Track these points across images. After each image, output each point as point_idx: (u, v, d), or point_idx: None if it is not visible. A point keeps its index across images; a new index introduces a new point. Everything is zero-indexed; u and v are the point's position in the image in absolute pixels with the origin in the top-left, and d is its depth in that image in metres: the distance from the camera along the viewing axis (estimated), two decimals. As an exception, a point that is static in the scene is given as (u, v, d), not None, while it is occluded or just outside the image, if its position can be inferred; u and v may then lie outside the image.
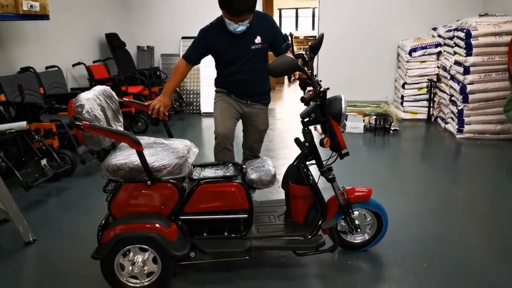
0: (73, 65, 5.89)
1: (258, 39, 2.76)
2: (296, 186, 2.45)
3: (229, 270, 2.49)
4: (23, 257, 2.77)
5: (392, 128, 5.67)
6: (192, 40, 2.85)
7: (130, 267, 2.23)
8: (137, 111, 5.97)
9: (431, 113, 6.21)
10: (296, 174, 2.45)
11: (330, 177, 2.41)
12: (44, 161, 3.88)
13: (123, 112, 5.64)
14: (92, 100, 2.24)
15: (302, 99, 2.28)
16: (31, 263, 2.75)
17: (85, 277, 2.46)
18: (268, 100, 3.04)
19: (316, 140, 2.42)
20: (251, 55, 2.79)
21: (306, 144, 2.42)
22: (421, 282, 2.38)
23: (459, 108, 5.29)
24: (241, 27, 2.63)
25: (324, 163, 2.44)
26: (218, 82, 3.00)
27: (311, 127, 2.43)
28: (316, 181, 2.42)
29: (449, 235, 2.93)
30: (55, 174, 3.86)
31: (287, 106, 8.16)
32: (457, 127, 5.36)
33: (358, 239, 2.66)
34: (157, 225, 2.17)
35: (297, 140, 2.48)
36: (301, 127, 2.42)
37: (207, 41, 2.77)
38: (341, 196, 2.44)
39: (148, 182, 2.19)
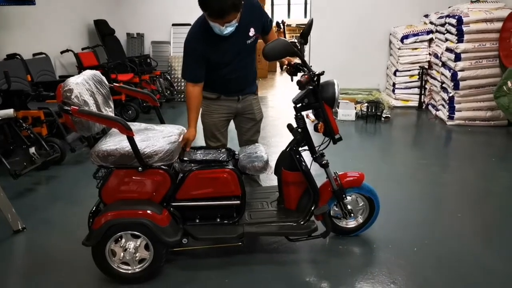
0: (61, 52, 5.79)
1: (252, 31, 2.49)
2: (289, 172, 2.45)
3: (221, 256, 2.49)
4: (12, 246, 2.74)
5: (384, 116, 5.68)
6: (183, 50, 2.49)
7: (122, 254, 2.21)
8: (127, 99, 5.90)
9: (422, 100, 6.23)
10: (288, 160, 2.44)
11: (323, 162, 2.41)
12: (32, 149, 3.82)
13: (113, 100, 5.62)
14: (81, 85, 2.19)
15: (299, 83, 2.26)
16: (20, 252, 2.72)
17: (76, 265, 2.45)
18: (256, 87, 2.86)
19: (308, 128, 2.40)
20: (247, 51, 2.56)
21: (299, 130, 2.40)
22: (412, 265, 2.40)
23: (450, 95, 5.31)
24: (229, 29, 2.29)
25: (316, 149, 2.44)
26: (208, 84, 2.58)
27: (303, 114, 2.41)
28: (309, 167, 2.41)
29: (440, 220, 2.96)
30: (44, 162, 3.80)
31: (279, 94, 8.13)
32: (447, 114, 5.39)
33: (350, 224, 2.67)
34: (148, 211, 2.15)
35: (289, 126, 2.46)
36: (294, 113, 2.40)
37: (200, 52, 2.42)
38: (334, 181, 2.44)
39: (139, 168, 2.16)
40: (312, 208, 2.39)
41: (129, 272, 2.24)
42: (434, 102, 5.97)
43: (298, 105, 2.36)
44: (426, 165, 4.09)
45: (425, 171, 3.95)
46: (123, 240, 2.20)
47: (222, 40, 2.39)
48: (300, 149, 2.44)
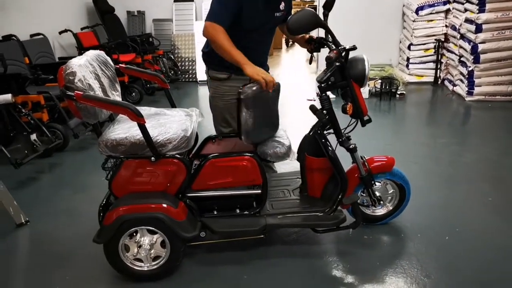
0: (60, 33, 5.53)
1: (282, 5, 2.30)
2: (313, 158, 2.25)
3: (239, 249, 2.33)
4: (16, 241, 2.57)
5: (399, 92, 5.45)
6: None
7: (136, 250, 2.04)
8: (130, 80, 5.67)
9: (438, 75, 5.97)
10: (313, 145, 2.24)
11: (351, 147, 2.21)
12: (33, 136, 3.63)
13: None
14: (85, 67, 1.98)
15: (328, 59, 2.02)
16: (25, 247, 2.55)
17: (86, 259, 2.28)
18: (268, 66, 2.59)
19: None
20: (273, 24, 2.35)
21: (324, 111, 2.19)
22: (445, 256, 2.23)
23: (470, 69, 5.05)
24: None
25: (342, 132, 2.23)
26: (214, 61, 2.33)
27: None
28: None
29: (469, 204, 2.77)
30: (46, 149, 3.61)
31: (286, 72, 7.85)
32: (466, 89, 5.15)
33: (377, 211, 2.49)
34: (164, 205, 1.97)
35: (313, 108, 2.25)
36: (318, 93, 2.18)
37: (238, 1, 2.13)
38: (362, 166, 2.25)
39: (152, 158, 1.96)
40: (340, 197, 2.20)
41: (145, 269, 2.08)
42: (451, 77, 5.71)
43: (323, 85, 2.13)
44: (446, 144, 3.89)
45: (446, 150, 3.75)
46: (138, 235, 2.03)
47: (260, 1, 2.16)
48: (325, 132, 2.24)
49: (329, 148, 2.19)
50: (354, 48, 2.06)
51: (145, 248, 2.01)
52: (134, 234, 2.03)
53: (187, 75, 7.05)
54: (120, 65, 2.45)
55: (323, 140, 2.20)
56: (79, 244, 2.41)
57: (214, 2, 2.20)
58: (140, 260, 2.08)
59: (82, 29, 5.97)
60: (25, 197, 3.05)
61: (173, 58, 6.75)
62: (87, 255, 2.29)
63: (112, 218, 1.95)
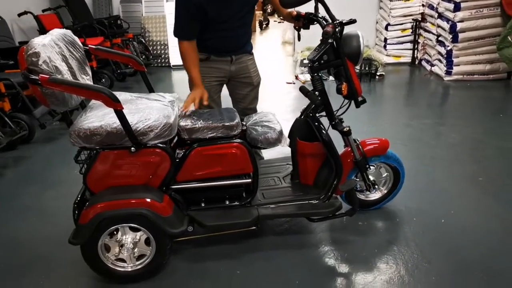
0: (19, 15, 5.11)
1: None
2: (306, 143, 2.11)
3: (230, 242, 2.18)
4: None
5: (378, 74, 5.38)
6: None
7: (117, 249, 1.85)
8: (99, 66, 5.33)
9: (415, 55, 5.94)
10: (304, 129, 2.10)
11: (345, 129, 2.08)
12: (-5, 128, 3.32)
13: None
14: (50, 47, 1.73)
15: (325, 34, 1.86)
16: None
17: (61, 261, 2.07)
18: (251, 46, 2.46)
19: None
20: (249, 6, 2.18)
21: (316, 93, 2.04)
22: (444, 240, 2.16)
23: (448, 48, 5.03)
24: None
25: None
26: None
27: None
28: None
29: (461, 185, 2.72)
30: (10, 142, 3.31)
31: (262, 56, 7.65)
32: (445, 69, 5.13)
33: (371, 196, 2.39)
34: (147, 199, 1.78)
35: (303, 89, 2.10)
36: (311, 73, 2.03)
37: (197, 3, 2.01)
38: (357, 150, 2.13)
39: (132, 148, 1.76)
40: (335, 183, 2.08)
41: (129, 269, 1.90)
42: (428, 57, 5.69)
43: (315, 64, 1.98)
44: (430, 125, 3.85)
45: (431, 131, 3.71)
46: (119, 234, 1.84)
47: None
48: (317, 115, 2.10)
49: (323, 131, 2.05)
50: (352, 21, 1.91)
51: (127, 247, 1.83)
52: (115, 232, 1.84)
53: (159, 60, 6.74)
54: (90, 46, 2.21)
55: (316, 124, 2.06)
56: (52, 245, 2.19)
57: (175, 11, 2.12)
58: (122, 260, 1.90)
59: (43, 11, 5.55)
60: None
61: (143, 41, 6.42)
62: (62, 257, 2.08)
63: (89, 216, 1.74)
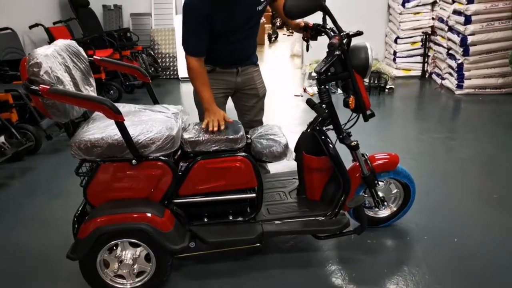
0: (30, 27, 5.17)
1: None
2: (312, 157, 2.05)
3: (232, 259, 2.11)
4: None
5: (387, 87, 5.31)
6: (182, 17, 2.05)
7: (116, 265, 1.80)
8: (108, 78, 5.36)
9: (425, 69, 5.87)
10: (311, 143, 2.04)
11: (352, 144, 2.01)
12: (2, 138, 3.31)
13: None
14: (52, 58, 1.71)
15: (331, 45, 1.82)
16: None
17: (60, 274, 2.03)
18: (256, 57, 2.43)
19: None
20: (256, 18, 2.15)
21: (323, 106, 1.99)
22: (456, 260, 2.07)
23: (459, 62, 4.95)
24: None
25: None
26: None
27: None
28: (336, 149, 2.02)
29: (474, 202, 2.63)
30: (16, 152, 3.30)
31: (270, 69, 7.64)
32: (456, 82, 5.05)
33: (380, 213, 2.31)
34: (148, 214, 1.73)
35: (310, 102, 2.05)
36: (317, 85, 1.99)
37: (205, 15, 1.97)
38: (365, 165, 2.06)
39: (133, 161, 1.72)
40: (342, 199, 2.01)
41: (127, 287, 1.84)
42: (439, 70, 5.61)
43: (322, 76, 1.93)
44: (441, 139, 3.76)
45: (442, 145, 3.62)
46: (119, 249, 1.79)
47: (232, 4, 2.00)
48: (324, 128, 2.04)
49: (330, 145, 1.99)
50: (359, 33, 1.86)
51: (127, 263, 1.77)
52: (114, 248, 1.79)
53: (168, 72, 6.76)
54: (95, 57, 2.19)
55: (323, 137, 2.00)
56: (53, 257, 2.14)
57: (183, 25, 2.06)
58: (122, 277, 1.84)
59: (54, 23, 5.62)
60: (-9, 206, 2.78)
61: (152, 54, 6.45)
62: (62, 270, 2.03)
63: (88, 231, 1.70)
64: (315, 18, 2.09)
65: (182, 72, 6.55)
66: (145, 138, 1.71)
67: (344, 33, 1.88)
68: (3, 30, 4.63)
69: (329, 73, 1.93)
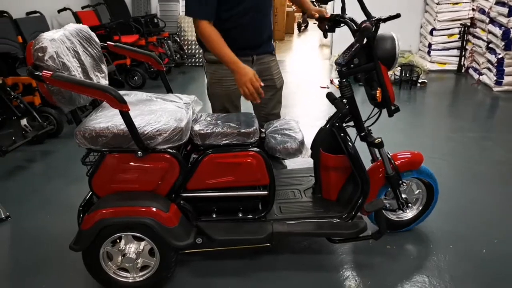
0: (59, 11, 5.20)
1: None
2: (329, 155, 1.92)
3: (241, 258, 2.02)
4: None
5: (420, 81, 5.05)
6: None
7: (120, 258, 1.75)
8: (133, 63, 5.35)
9: (462, 63, 5.54)
10: (329, 140, 1.91)
11: (376, 141, 1.87)
12: (24, 121, 3.35)
13: (116, 65, 5.02)
14: (60, 42, 1.66)
15: (365, 29, 1.65)
16: (7, 246, 2.27)
17: (69, 263, 1.99)
18: (273, 47, 2.29)
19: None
20: None
21: (344, 101, 1.85)
22: (484, 273, 1.90)
23: (499, 56, 4.63)
24: None
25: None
26: None
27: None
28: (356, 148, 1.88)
29: (508, 210, 2.42)
30: (36, 136, 3.33)
31: (298, 59, 7.45)
32: (495, 78, 4.73)
33: (403, 216, 2.16)
34: (152, 208, 1.66)
35: (331, 96, 1.91)
36: (338, 78, 1.84)
37: None
38: (389, 164, 1.91)
39: (139, 152, 1.65)
40: (360, 201, 1.87)
41: (129, 280, 1.79)
42: (476, 65, 5.28)
43: (344, 68, 1.79)
44: (475, 139, 3.52)
45: (475, 146, 3.38)
46: (123, 242, 1.73)
47: None
48: (344, 125, 1.90)
49: (349, 143, 1.86)
50: (396, 16, 1.69)
51: (130, 257, 1.72)
52: (118, 240, 1.73)
53: (193, 59, 6.71)
54: (109, 43, 2.12)
55: (342, 134, 1.86)
56: (64, 245, 2.10)
57: None
58: (125, 270, 1.79)
59: (83, 8, 5.65)
60: (10, 188, 2.81)
61: (179, 40, 6.40)
62: (71, 260, 2.00)
63: (91, 222, 1.65)
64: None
65: (208, 59, 6.47)
66: (151, 129, 1.63)
67: (375, 18, 1.71)
68: (32, 14, 4.67)
69: (352, 65, 1.78)
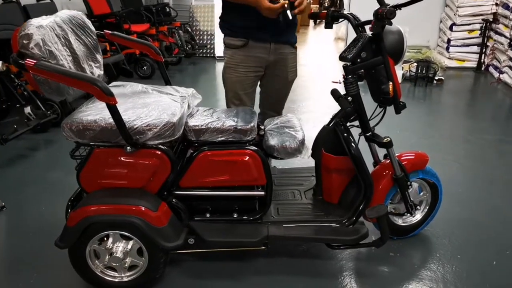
0: (69, -3, 5.15)
1: None
2: (331, 156, 1.81)
3: (235, 259, 1.93)
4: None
5: (436, 78, 4.86)
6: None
7: (107, 257, 1.68)
8: (142, 53, 5.27)
9: (482, 60, 5.31)
10: (332, 140, 1.80)
11: (385, 140, 1.75)
12: (28, 109, 3.31)
13: (125, 54, 4.94)
14: (49, 29, 1.57)
15: (381, 16, 1.52)
16: (6, 237, 2.23)
17: (60, 258, 1.90)
18: (295, 38, 2.22)
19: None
20: None
21: (349, 98, 1.73)
22: (494, 285, 1.77)
23: (522, 54, 4.41)
24: None
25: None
26: (230, 25, 2.08)
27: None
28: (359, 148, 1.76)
29: (524, 219, 2.28)
30: (39, 124, 3.29)
31: (312, 52, 7.29)
32: (516, 77, 4.51)
33: (409, 221, 2.04)
34: (140, 207, 1.58)
35: (335, 93, 1.79)
36: (344, 74, 1.73)
37: None
38: (397, 165, 1.80)
39: (128, 148, 1.56)
40: (362, 205, 1.76)
41: (117, 280, 1.72)
42: (497, 63, 5.05)
43: (349, 64, 1.67)
44: (493, 141, 3.35)
45: (494, 149, 3.22)
46: (110, 241, 1.66)
47: None
48: (348, 124, 1.79)
49: (352, 144, 1.74)
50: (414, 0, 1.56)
51: (117, 256, 1.64)
52: (105, 238, 1.66)
53: (204, 50, 6.61)
54: (106, 31, 2.03)
55: (345, 135, 1.75)
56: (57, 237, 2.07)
57: None
58: (113, 269, 1.72)
59: (94, -5, 5.58)
60: (9, 177, 2.76)
61: (190, 30, 6.30)
62: (62, 254, 1.94)
63: (77, 219, 1.58)
64: None
65: (219, 51, 6.37)
66: (141, 124, 1.54)
67: (389, 5, 1.56)
68: (42, 0, 4.63)
69: (358, 60, 1.66)
